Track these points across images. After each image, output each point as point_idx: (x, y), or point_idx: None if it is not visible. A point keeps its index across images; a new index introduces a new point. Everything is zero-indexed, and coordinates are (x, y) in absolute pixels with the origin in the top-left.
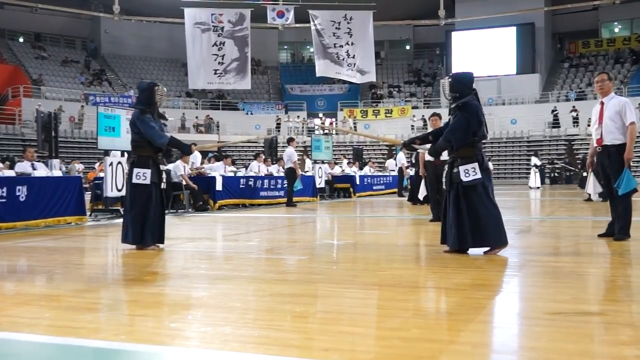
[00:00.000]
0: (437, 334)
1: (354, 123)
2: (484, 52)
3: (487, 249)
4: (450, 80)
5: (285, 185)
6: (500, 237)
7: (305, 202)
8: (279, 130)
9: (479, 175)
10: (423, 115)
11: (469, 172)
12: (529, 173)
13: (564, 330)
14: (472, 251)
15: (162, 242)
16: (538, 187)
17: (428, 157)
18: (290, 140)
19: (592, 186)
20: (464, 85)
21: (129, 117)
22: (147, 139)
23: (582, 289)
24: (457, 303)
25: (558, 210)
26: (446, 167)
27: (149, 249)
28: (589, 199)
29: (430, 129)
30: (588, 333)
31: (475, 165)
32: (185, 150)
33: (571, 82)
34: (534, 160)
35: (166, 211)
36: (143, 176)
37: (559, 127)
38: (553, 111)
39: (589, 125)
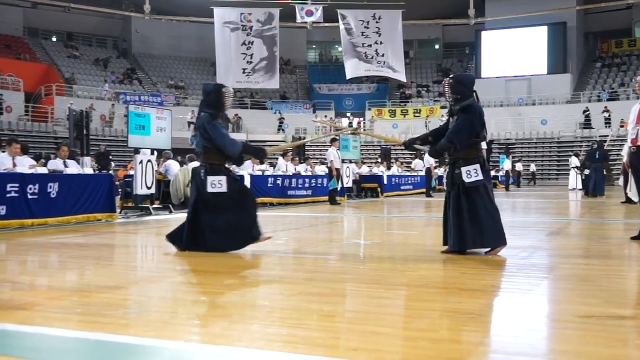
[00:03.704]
0: (465, 336)
1: (367, 123)
2: (515, 51)
3: (487, 249)
4: (451, 81)
5: (313, 184)
6: (500, 237)
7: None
8: (282, 129)
9: (480, 177)
10: None
11: (470, 173)
12: (559, 174)
13: (596, 334)
14: (479, 251)
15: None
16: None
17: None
18: (333, 141)
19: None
20: (465, 87)
21: (159, 115)
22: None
23: (614, 292)
24: (485, 304)
25: (589, 212)
26: (447, 168)
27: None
28: (627, 201)
29: None
30: (620, 337)
31: (477, 166)
32: (259, 155)
33: (603, 82)
34: (574, 161)
35: None
36: (219, 184)
37: (591, 127)
38: (585, 111)
39: (621, 126)
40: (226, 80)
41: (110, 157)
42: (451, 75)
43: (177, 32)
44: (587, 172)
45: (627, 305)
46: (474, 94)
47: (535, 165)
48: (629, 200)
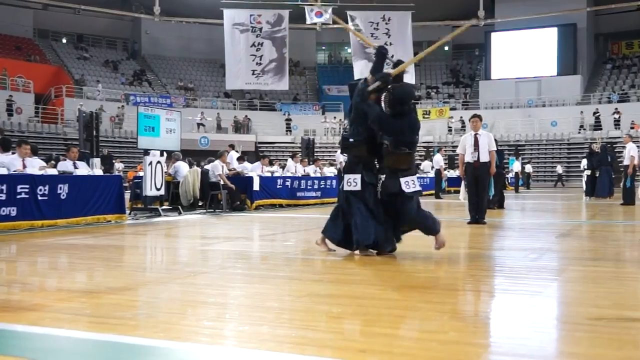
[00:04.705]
0: (475, 337)
1: None
2: (524, 53)
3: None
4: (391, 97)
5: (322, 185)
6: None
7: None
8: (290, 131)
9: (418, 188)
10: (461, 117)
11: (409, 184)
12: (569, 175)
13: (606, 336)
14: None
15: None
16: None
17: (467, 159)
18: None
19: None
20: (402, 105)
21: (169, 117)
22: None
23: (625, 294)
24: (495, 306)
25: (599, 214)
26: (383, 177)
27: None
28: (626, 203)
29: (469, 131)
30: (631, 339)
31: (415, 178)
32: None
33: (614, 83)
34: (586, 163)
35: (204, 210)
36: (354, 182)
37: (601, 129)
38: (595, 113)
39: (632, 128)
40: (235, 82)
41: (114, 160)
42: (392, 90)
43: (187, 34)
44: (589, 172)
45: (638, 308)
46: (412, 107)
47: (549, 167)
48: (631, 203)
